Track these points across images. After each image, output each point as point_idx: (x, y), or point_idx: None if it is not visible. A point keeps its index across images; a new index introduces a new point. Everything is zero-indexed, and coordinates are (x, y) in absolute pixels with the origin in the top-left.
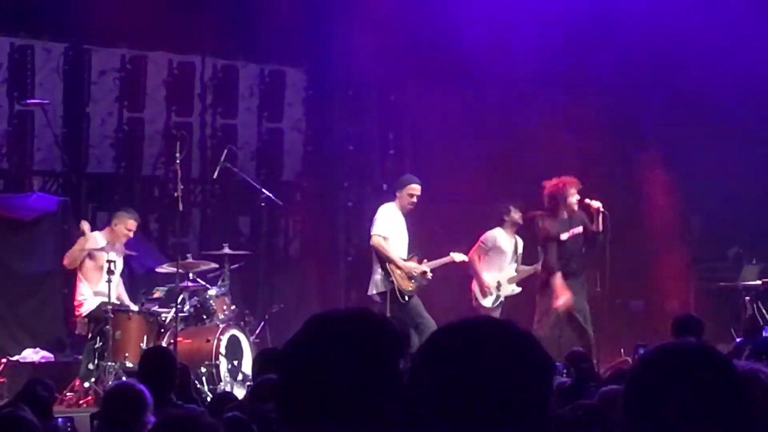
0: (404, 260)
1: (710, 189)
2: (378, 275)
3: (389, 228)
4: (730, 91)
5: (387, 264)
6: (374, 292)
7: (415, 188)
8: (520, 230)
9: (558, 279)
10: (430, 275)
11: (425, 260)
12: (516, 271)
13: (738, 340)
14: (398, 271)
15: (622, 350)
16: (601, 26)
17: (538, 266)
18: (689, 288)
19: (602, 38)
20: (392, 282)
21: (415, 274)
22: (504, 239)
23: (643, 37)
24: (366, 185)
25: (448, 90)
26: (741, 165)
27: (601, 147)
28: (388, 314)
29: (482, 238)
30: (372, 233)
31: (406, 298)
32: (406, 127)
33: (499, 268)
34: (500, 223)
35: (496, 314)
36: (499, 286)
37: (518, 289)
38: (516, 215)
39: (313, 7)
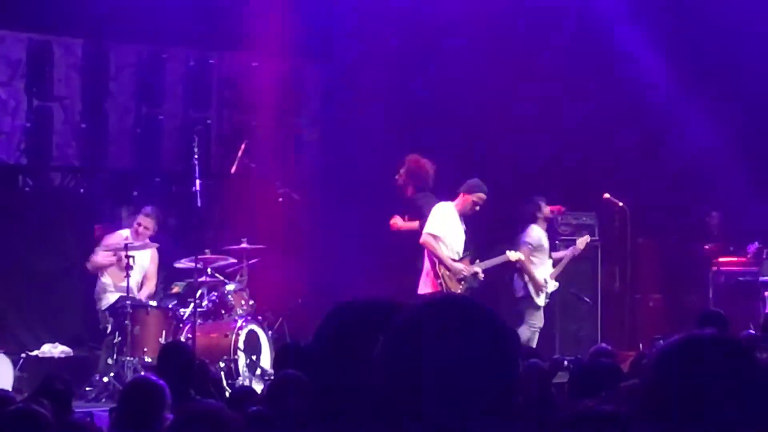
0: (456, 261)
1: (730, 183)
2: (428, 276)
3: (442, 227)
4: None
5: (436, 264)
6: (425, 291)
7: (482, 197)
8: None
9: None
10: (482, 276)
11: (477, 260)
12: (552, 266)
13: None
14: (447, 273)
15: (641, 345)
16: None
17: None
18: (708, 283)
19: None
20: (441, 284)
21: (465, 275)
22: (543, 235)
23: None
24: (384, 180)
25: (471, 85)
26: (762, 159)
27: (614, 142)
28: None
29: (526, 238)
30: (424, 231)
31: None
32: (426, 121)
33: (542, 264)
34: (534, 220)
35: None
36: (546, 282)
37: (557, 284)
38: (546, 210)
39: (331, 2)
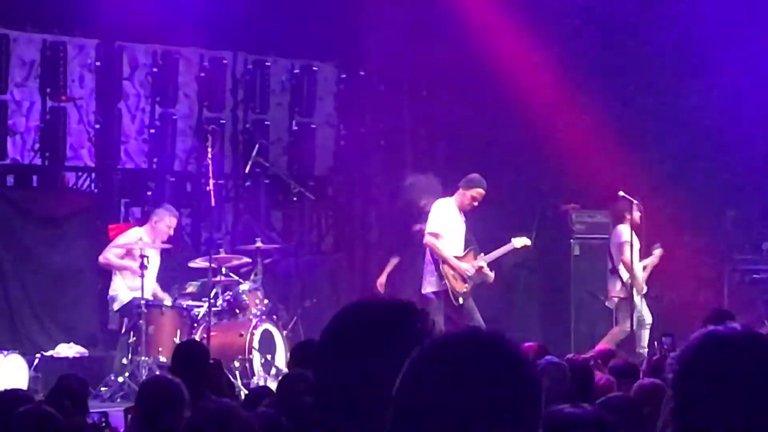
0: (459, 258)
1: (744, 182)
2: (432, 276)
3: (443, 225)
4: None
5: (441, 265)
6: (429, 290)
7: (481, 192)
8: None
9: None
10: (488, 272)
11: (482, 254)
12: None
13: None
14: (451, 272)
15: (656, 343)
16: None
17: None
18: (723, 281)
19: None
20: (445, 284)
21: (469, 275)
22: (630, 234)
23: (674, 31)
24: (398, 180)
25: (481, 84)
26: None
27: (627, 139)
28: (444, 313)
29: (622, 238)
30: (426, 231)
31: (460, 300)
32: (438, 122)
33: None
34: (622, 221)
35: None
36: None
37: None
38: (635, 215)
39: (344, 1)
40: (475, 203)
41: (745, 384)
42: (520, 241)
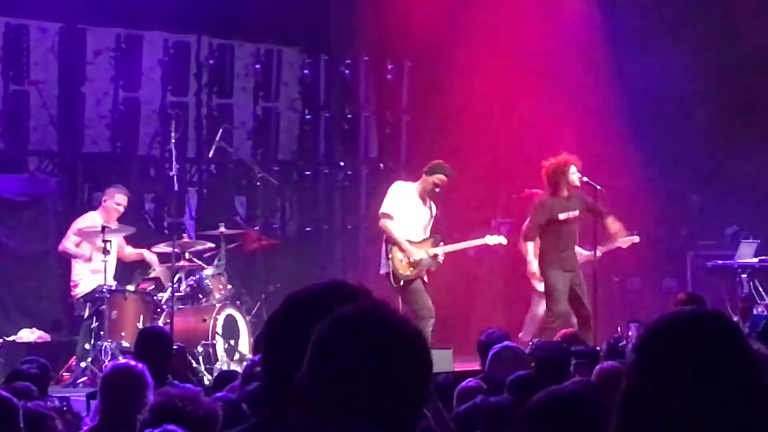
0: (415, 243)
1: (708, 167)
2: (383, 255)
3: (395, 207)
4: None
5: (389, 245)
6: (383, 271)
7: (442, 179)
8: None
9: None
10: (441, 259)
11: (442, 243)
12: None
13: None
14: (399, 254)
15: (619, 328)
16: None
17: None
18: (686, 266)
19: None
20: (388, 264)
21: (415, 259)
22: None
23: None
24: (362, 165)
25: (446, 70)
26: (739, 142)
27: (593, 125)
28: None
29: None
30: (379, 212)
31: (401, 282)
32: (402, 106)
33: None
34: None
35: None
36: None
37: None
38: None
39: None
40: (437, 189)
41: (705, 364)
42: (494, 239)
